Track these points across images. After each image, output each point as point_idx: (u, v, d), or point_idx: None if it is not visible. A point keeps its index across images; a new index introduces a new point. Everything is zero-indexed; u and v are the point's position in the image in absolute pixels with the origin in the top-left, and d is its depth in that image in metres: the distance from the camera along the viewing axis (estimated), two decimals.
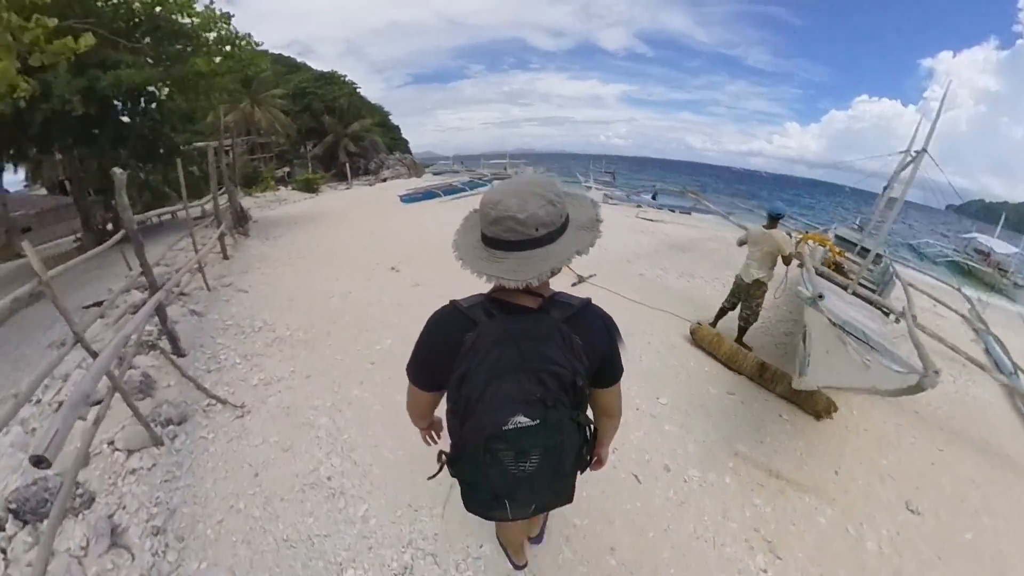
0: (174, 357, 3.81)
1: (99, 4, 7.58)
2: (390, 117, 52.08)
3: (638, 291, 5.72)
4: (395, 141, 50.65)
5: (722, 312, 4.64)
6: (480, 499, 1.12)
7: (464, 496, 1.13)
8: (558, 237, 0.99)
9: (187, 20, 8.28)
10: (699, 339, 4.39)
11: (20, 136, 8.37)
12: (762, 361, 3.94)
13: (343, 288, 5.59)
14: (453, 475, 1.10)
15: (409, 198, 14.37)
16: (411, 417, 1.31)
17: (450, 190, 15.71)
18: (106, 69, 7.59)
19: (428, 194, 14.98)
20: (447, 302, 1.12)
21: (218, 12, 8.53)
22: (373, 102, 52.80)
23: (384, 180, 26.56)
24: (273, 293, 5.51)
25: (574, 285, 5.73)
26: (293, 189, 22.07)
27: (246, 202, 17.37)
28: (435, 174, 42.69)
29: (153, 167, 10.83)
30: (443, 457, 1.12)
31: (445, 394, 1.13)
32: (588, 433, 1.11)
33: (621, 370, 1.17)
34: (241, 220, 10.28)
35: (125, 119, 9.22)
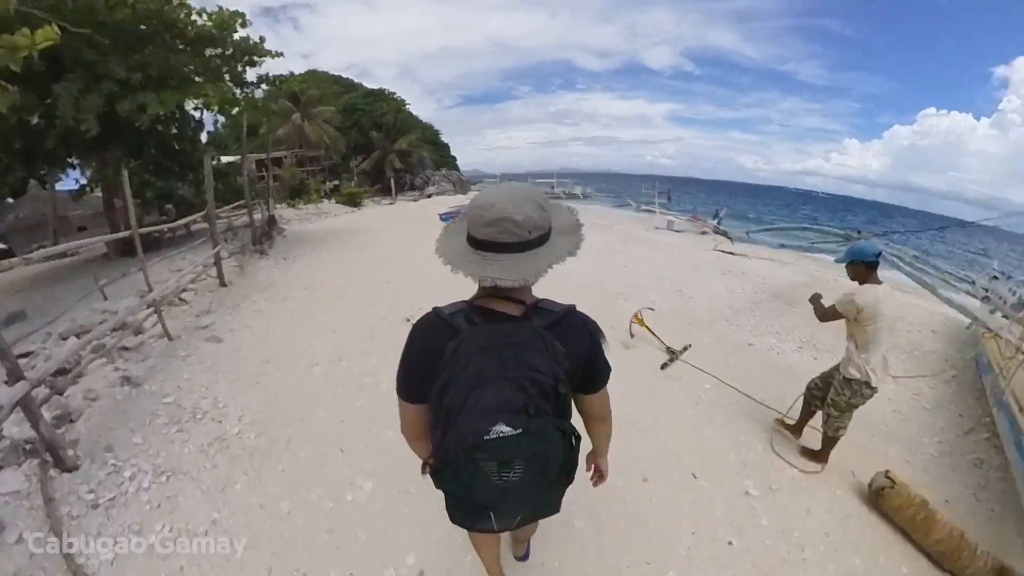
0: (55, 473, 2.45)
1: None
2: (440, 136, 53.06)
3: (756, 380, 3.72)
4: (444, 159, 51.22)
5: (810, 414, 2.92)
6: (464, 510, 1.09)
7: (448, 507, 1.11)
8: (546, 241, 0.99)
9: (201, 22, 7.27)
10: (892, 507, 2.41)
11: (36, 151, 7.52)
12: (1001, 565, 2.10)
13: (334, 350, 4.08)
14: (437, 486, 1.04)
15: (449, 216, 12.97)
16: (408, 441, 1.19)
17: None
18: (121, 83, 6.47)
19: None
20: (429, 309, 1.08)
21: (227, 11, 7.49)
22: (424, 121, 54.20)
23: (429, 196, 25.77)
24: (248, 349, 4.12)
25: (664, 367, 3.87)
26: (337, 202, 21.49)
27: (288, 213, 16.88)
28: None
29: (183, 178, 10.09)
30: (426, 468, 1.06)
31: None
32: (573, 441, 1.02)
33: (608, 373, 1.15)
34: (264, 236, 9.31)
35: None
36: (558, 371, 0.96)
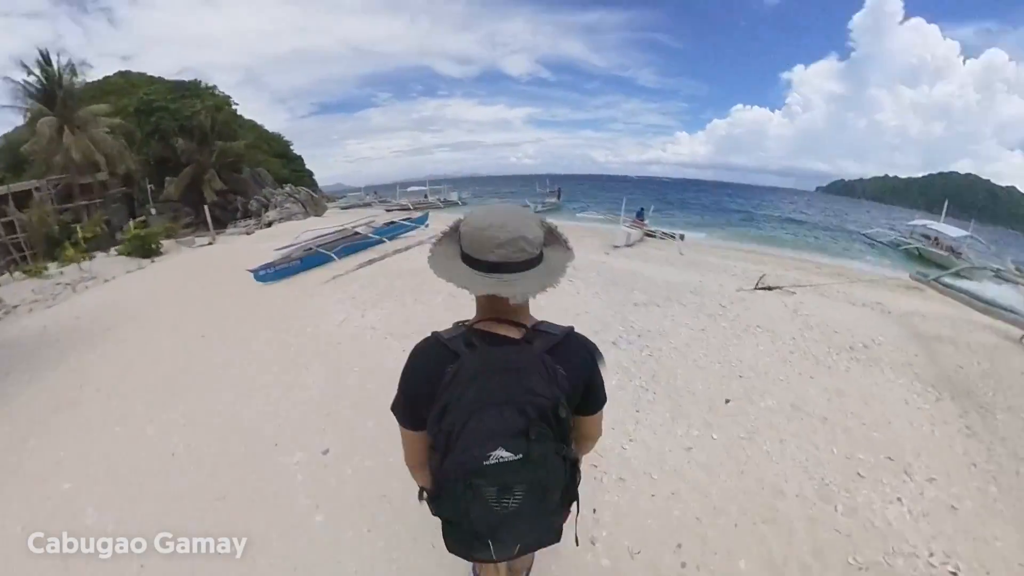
0: None
1: None
2: (292, 148, 46.06)
3: None
4: (297, 173, 43.93)
5: None
6: (462, 538, 1.07)
7: (445, 535, 1.09)
8: (543, 254, 1.02)
9: None
10: None
11: None
12: None
13: None
14: (434, 513, 1.05)
15: (271, 272, 7.44)
16: (411, 470, 1.18)
17: (353, 244, 8.83)
18: None
19: (308, 260, 7.97)
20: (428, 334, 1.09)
21: None
22: (272, 131, 46.41)
23: (269, 224, 19.55)
24: None
25: None
26: (121, 252, 14.50)
27: (23, 289, 10.13)
28: (344, 208, 35.92)
29: None
30: (424, 494, 1.09)
31: None
32: (574, 468, 1.05)
33: (604, 396, 1.16)
34: None
35: None
36: (558, 395, 0.96)
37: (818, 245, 22.02)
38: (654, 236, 13.18)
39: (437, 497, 1.00)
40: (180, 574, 2.12)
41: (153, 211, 20.08)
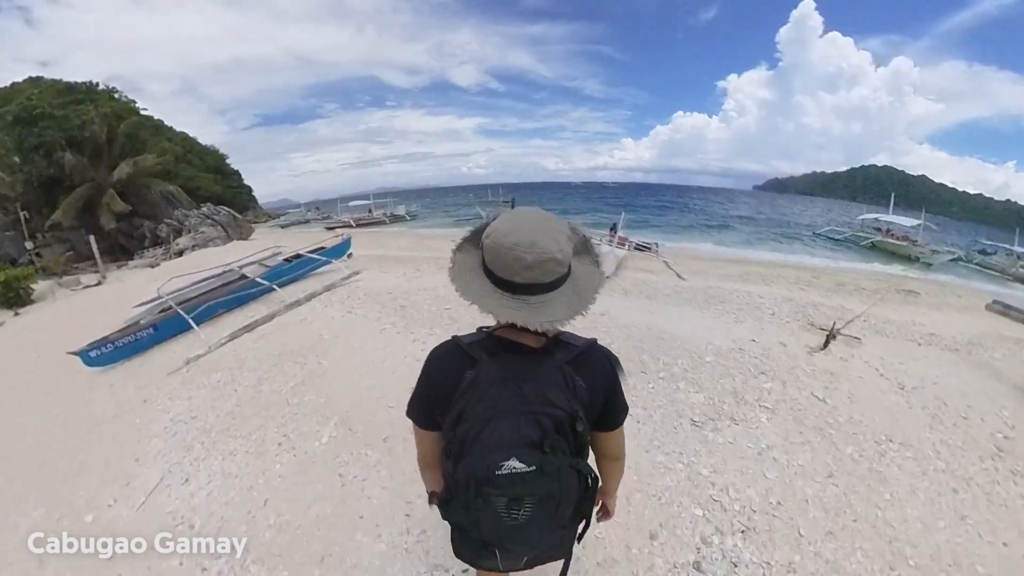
0: None
1: None
2: (228, 162, 42.55)
3: None
4: (233, 190, 40.46)
5: None
6: (469, 545, 1.06)
7: (454, 541, 1.09)
8: (573, 268, 0.97)
9: None
10: None
11: None
12: None
13: None
14: (444, 518, 1.00)
15: (108, 351, 5.04)
16: (421, 470, 1.20)
17: (228, 298, 6.08)
18: None
19: (165, 327, 5.48)
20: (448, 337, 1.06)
21: None
22: (206, 144, 42.72)
23: (180, 253, 16.63)
24: None
25: None
26: None
27: None
28: (283, 227, 32.63)
29: None
30: (434, 499, 1.08)
31: None
32: (589, 483, 0.97)
33: (625, 411, 1.11)
34: None
35: None
36: (576, 407, 0.94)
37: (787, 246, 21.86)
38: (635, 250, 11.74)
39: (448, 502, 0.96)
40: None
41: (29, 244, 16.57)
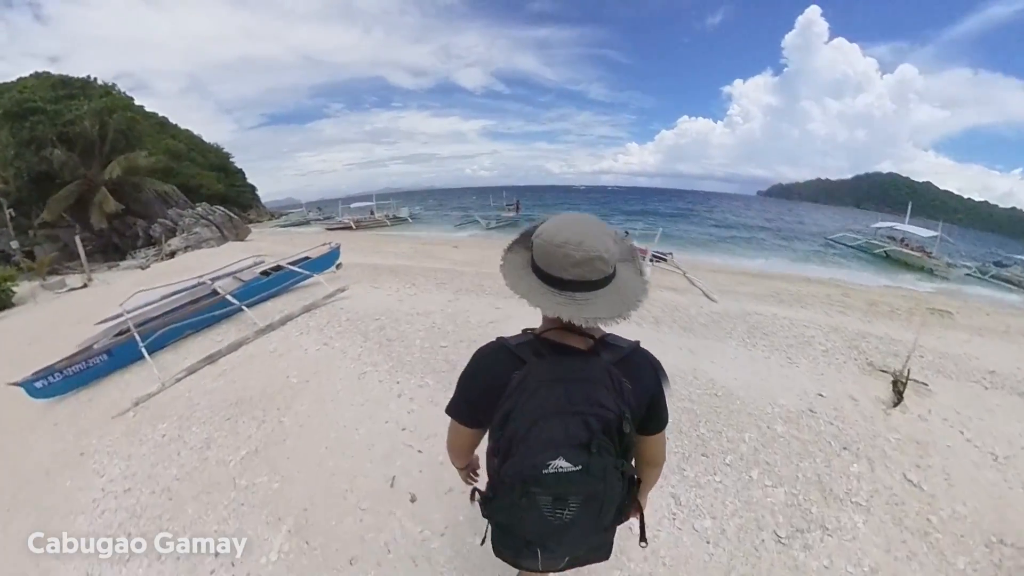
0: None
1: None
2: (232, 160, 42.26)
3: None
4: (237, 189, 40.05)
5: None
6: (511, 544, 1.07)
7: (495, 539, 1.10)
8: (618, 270, 0.98)
9: None
10: None
11: None
12: None
13: None
14: (485, 515, 1.04)
15: (57, 381, 4.32)
16: (451, 456, 1.23)
17: (191, 319, 5.18)
18: None
19: (120, 353, 4.70)
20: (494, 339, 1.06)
21: None
22: (210, 142, 42.39)
23: (172, 254, 15.98)
24: None
25: None
26: None
27: None
28: (284, 227, 32.04)
29: None
30: (477, 495, 1.08)
31: (487, 432, 1.09)
32: (631, 484, 1.03)
33: (667, 416, 1.10)
34: None
35: None
36: (624, 409, 0.93)
37: (803, 256, 21.29)
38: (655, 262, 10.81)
39: (492, 500, 0.98)
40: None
41: (14, 243, 15.94)
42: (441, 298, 5.82)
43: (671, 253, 12.54)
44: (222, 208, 19.79)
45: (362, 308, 5.34)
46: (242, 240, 18.50)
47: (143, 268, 14.71)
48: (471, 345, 3.62)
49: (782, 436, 2.95)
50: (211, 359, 4.42)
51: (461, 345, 4.26)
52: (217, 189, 35.33)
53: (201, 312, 5.34)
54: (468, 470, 1.34)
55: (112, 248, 19.32)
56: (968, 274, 17.68)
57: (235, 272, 6.45)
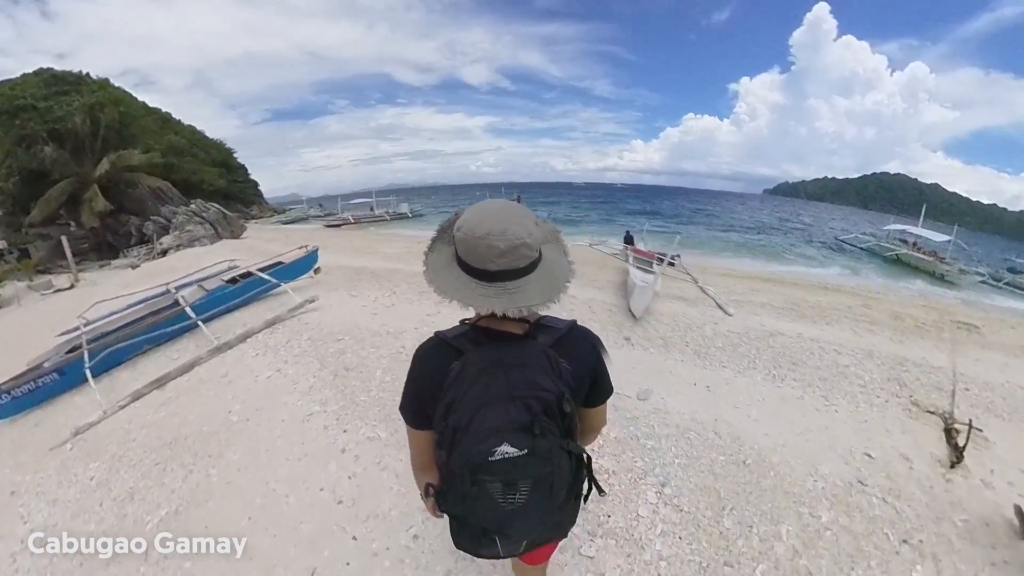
0: None
1: None
2: (235, 156, 41.83)
3: None
4: (239, 185, 39.69)
5: None
6: (468, 534, 1.04)
7: (453, 532, 1.05)
8: (544, 253, 0.98)
9: None
10: None
11: None
12: None
13: None
14: (441, 510, 1.01)
15: (5, 401, 3.89)
16: (415, 471, 1.15)
17: (157, 332, 4.75)
18: None
19: (71, 371, 4.25)
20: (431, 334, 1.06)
21: None
22: (213, 138, 41.88)
23: (163, 253, 15.51)
24: None
25: None
26: None
27: None
28: (285, 223, 31.56)
29: None
30: (431, 491, 1.03)
31: None
32: (580, 462, 1.00)
33: (611, 387, 1.13)
34: None
35: None
36: (563, 389, 0.95)
37: (812, 258, 20.76)
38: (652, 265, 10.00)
39: (445, 493, 0.97)
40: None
41: (1, 243, 15.51)
42: (419, 312, 5.37)
43: (679, 255, 11.89)
44: (216, 205, 19.29)
45: (328, 324, 4.82)
46: (237, 238, 18.04)
47: (134, 267, 14.26)
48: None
49: (828, 528, 2.34)
50: (160, 383, 3.93)
51: None
52: (219, 185, 34.93)
53: (160, 326, 4.83)
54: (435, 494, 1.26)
55: (106, 246, 18.90)
56: (982, 281, 16.98)
57: (202, 280, 5.92)
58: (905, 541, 2.31)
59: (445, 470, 0.96)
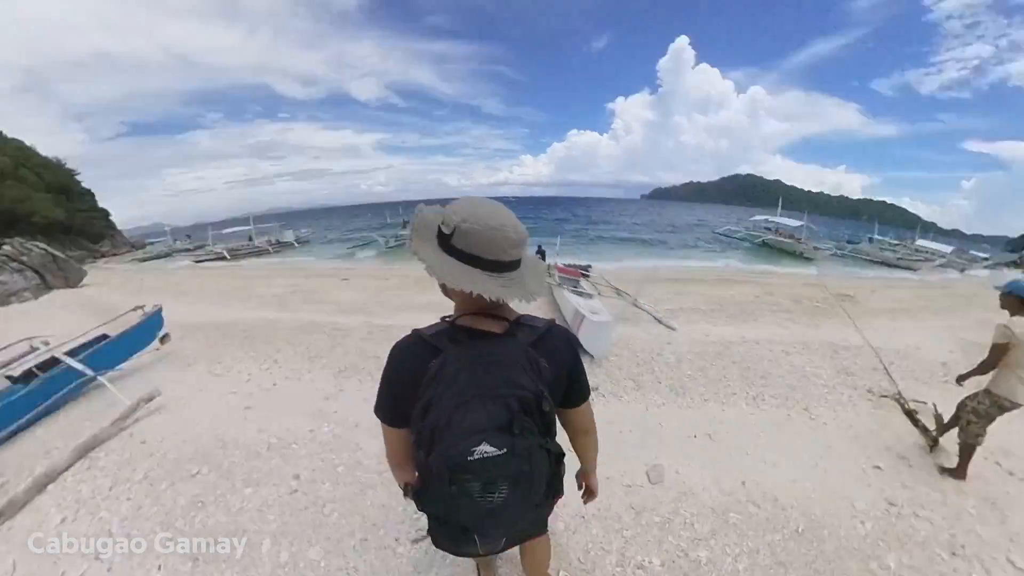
0: None
1: None
2: (78, 179, 34.75)
3: None
4: (84, 214, 32.95)
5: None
6: (448, 533, 1.02)
7: (432, 531, 1.05)
8: None
9: None
10: None
11: None
12: None
13: None
14: (420, 509, 0.99)
15: None
16: (392, 469, 1.14)
17: None
18: None
19: None
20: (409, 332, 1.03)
21: None
22: (49, 157, 34.34)
23: None
24: None
25: None
26: None
27: None
28: (143, 260, 26.42)
29: None
30: (410, 490, 1.04)
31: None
32: (558, 460, 1.00)
33: (588, 387, 1.14)
34: None
35: None
36: (542, 387, 0.93)
37: (700, 251, 22.90)
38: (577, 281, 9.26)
39: (422, 493, 0.95)
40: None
41: None
42: (313, 395, 3.92)
43: (590, 266, 11.72)
44: (40, 245, 15.56)
45: (177, 440, 3.16)
46: (74, 287, 14.68)
47: None
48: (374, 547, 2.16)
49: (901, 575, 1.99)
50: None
51: (352, 551, 2.15)
52: (55, 216, 28.95)
53: None
54: (411, 485, 1.12)
55: None
56: (832, 254, 20.37)
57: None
58: (955, 554, 2.11)
59: (423, 470, 0.91)
